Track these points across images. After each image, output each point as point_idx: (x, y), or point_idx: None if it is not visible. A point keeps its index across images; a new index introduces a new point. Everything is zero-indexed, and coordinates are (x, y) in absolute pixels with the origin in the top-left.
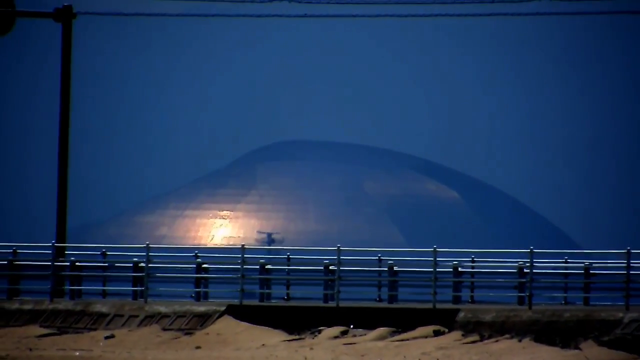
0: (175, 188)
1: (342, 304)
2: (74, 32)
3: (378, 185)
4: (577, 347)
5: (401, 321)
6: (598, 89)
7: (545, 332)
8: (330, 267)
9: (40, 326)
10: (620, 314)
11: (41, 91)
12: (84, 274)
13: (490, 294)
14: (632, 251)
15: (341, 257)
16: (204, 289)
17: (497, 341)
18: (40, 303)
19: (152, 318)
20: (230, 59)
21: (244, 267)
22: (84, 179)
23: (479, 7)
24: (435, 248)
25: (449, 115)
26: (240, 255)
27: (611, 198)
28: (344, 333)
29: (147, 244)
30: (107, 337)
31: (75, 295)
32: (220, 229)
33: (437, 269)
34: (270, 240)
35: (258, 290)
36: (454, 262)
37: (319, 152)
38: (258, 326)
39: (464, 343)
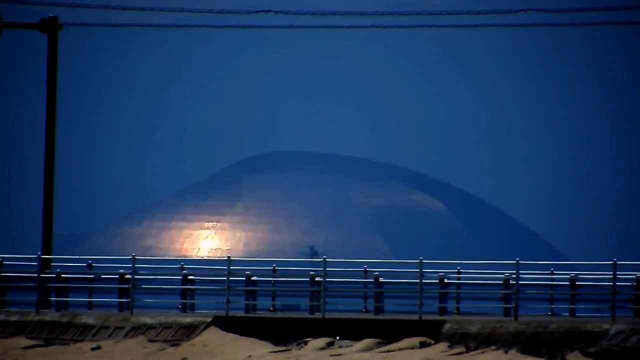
0: (161, 199)
1: (328, 315)
2: (60, 41)
3: (364, 196)
4: (563, 359)
5: (387, 332)
6: (589, 102)
7: (531, 343)
8: (316, 279)
9: (27, 337)
10: (606, 326)
11: (28, 102)
12: (70, 285)
13: (476, 305)
14: (618, 263)
15: (327, 269)
16: (190, 300)
17: (483, 352)
18: (26, 314)
19: (138, 329)
20: (217, 70)
21: (230, 278)
22: (70, 191)
23: (469, 18)
24: (421, 259)
25: (435, 126)
26: (226, 267)
27: (597, 210)
28: (330, 344)
29: (133, 256)
30: (93, 349)
31: (61, 306)
32: (206, 240)
33: (423, 280)
34: (313, 252)
35: (244, 302)
36: (440, 274)
37: (304, 163)
38: (244, 337)
39: (450, 354)
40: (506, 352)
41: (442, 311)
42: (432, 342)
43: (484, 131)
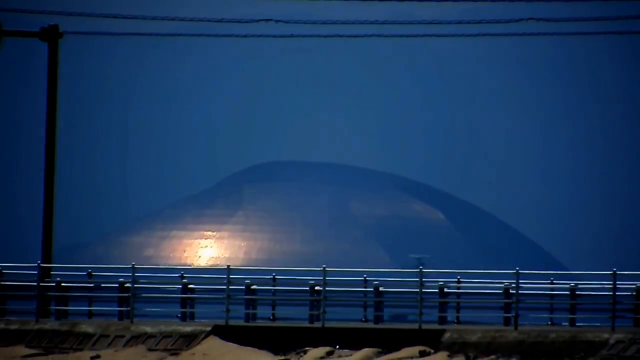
0: (161, 209)
1: (328, 324)
2: (61, 50)
3: (364, 206)
4: None
5: (387, 342)
6: (589, 115)
7: (531, 352)
8: (316, 288)
9: (26, 346)
10: (606, 335)
11: (27, 110)
12: (70, 294)
13: (476, 314)
14: (618, 272)
15: (327, 278)
16: (190, 309)
17: None
18: (26, 323)
19: (138, 338)
20: (218, 79)
21: (230, 287)
22: (71, 200)
23: (470, 27)
24: (420, 269)
25: (435, 136)
26: (226, 276)
27: (597, 220)
28: (329, 353)
29: (133, 265)
30: (93, 358)
31: (61, 315)
32: (206, 249)
33: (423, 290)
34: (419, 264)
35: (244, 311)
36: (440, 283)
37: (305, 173)
38: (244, 346)
39: None
40: None
41: (442, 320)
42: (432, 351)
43: (483, 142)
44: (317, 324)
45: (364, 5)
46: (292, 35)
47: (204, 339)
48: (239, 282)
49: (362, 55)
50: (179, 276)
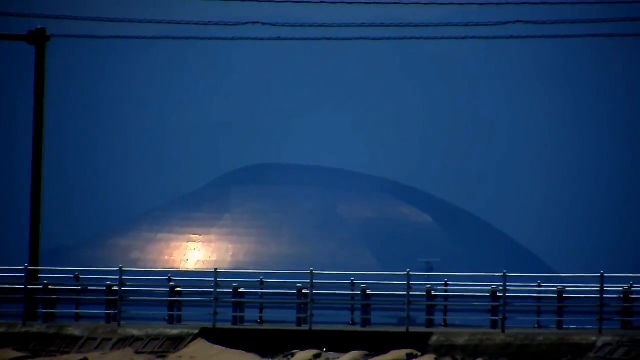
0: (148, 211)
1: (316, 327)
2: (48, 52)
3: (352, 209)
4: None
5: (374, 345)
6: (580, 116)
7: (518, 355)
8: (304, 291)
9: (14, 349)
10: (594, 338)
11: (16, 112)
12: (57, 297)
13: (464, 317)
14: (605, 275)
15: (314, 281)
16: (177, 312)
17: None
18: (13, 326)
19: (125, 341)
20: (206, 81)
21: (217, 290)
22: (58, 202)
23: (458, 30)
24: (408, 271)
25: (424, 140)
26: (213, 279)
27: (585, 223)
28: (317, 356)
29: (120, 267)
30: None
31: (48, 318)
32: (194, 252)
33: (410, 292)
34: (429, 268)
35: (231, 314)
36: (427, 286)
37: (293, 176)
38: (231, 349)
39: None
40: None
41: (430, 323)
42: (419, 354)
43: (472, 144)
44: (305, 327)
45: (349, 8)
46: (279, 38)
47: (191, 341)
48: (227, 285)
49: (352, 58)
50: (166, 279)
